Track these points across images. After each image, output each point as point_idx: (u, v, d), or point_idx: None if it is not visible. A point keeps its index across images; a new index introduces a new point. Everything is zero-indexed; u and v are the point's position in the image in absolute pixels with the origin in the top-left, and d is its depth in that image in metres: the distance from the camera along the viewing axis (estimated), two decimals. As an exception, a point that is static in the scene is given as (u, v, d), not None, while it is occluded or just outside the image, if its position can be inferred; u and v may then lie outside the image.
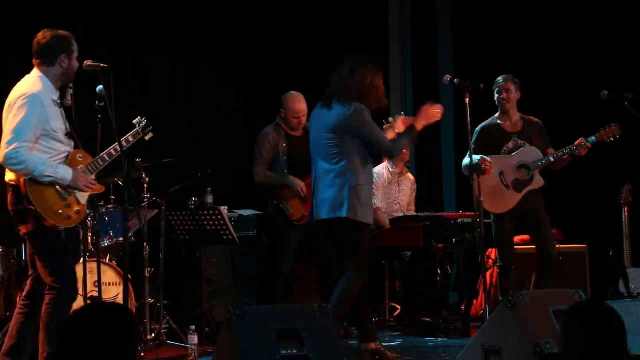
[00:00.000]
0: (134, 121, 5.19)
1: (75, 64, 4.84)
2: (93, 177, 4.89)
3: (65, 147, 4.82)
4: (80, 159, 4.87)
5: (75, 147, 4.91)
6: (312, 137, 5.70)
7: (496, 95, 6.68)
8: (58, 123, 4.75)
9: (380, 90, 5.55)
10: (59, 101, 4.82)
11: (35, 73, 4.80)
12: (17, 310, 4.88)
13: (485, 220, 6.56)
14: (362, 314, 5.70)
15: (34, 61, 4.83)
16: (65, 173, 4.71)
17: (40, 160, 4.63)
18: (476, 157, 6.51)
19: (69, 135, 4.85)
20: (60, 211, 4.70)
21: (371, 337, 5.73)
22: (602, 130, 6.50)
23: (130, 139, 5.12)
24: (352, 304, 5.50)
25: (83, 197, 4.82)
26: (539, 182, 6.57)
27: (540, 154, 6.57)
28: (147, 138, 5.22)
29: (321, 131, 5.53)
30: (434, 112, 5.74)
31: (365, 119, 5.42)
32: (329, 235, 5.75)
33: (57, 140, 4.75)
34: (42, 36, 4.80)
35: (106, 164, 4.97)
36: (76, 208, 4.78)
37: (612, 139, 6.51)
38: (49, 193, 4.69)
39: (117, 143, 4.85)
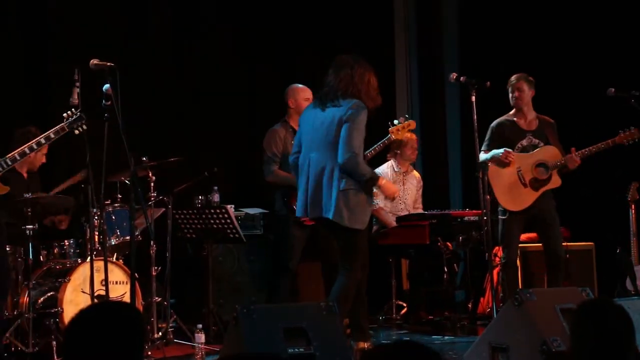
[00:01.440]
0: (64, 114, 5.07)
1: None
2: None
3: None
4: None
5: None
6: (306, 135, 5.60)
7: (510, 94, 6.69)
8: None
9: (376, 89, 5.54)
10: None
11: None
12: None
13: (501, 217, 6.57)
14: (356, 312, 5.68)
15: None
16: None
17: None
18: (499, 151, 6.52)
19: None
20: None
21: (363, 336, 5.70)
22: (622, 133, 6.52)
23: (52, 135, 5.01)
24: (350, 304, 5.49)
25: None
26: (556, 181, 6.57)
27: (559, 153, 6.57)
28: (76, 132, 5.07)
29: (318, 126, 5.48)
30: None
31: (360, 117, 5.38)
32: (327, 232, 5.73)
33: None
34: None
35: (16, 162, 4.97)
36: None
37: (631, 142, 6.54)
38: None
39: (31, 142, 4.90)
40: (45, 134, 4.95)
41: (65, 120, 5.05)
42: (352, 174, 5.35)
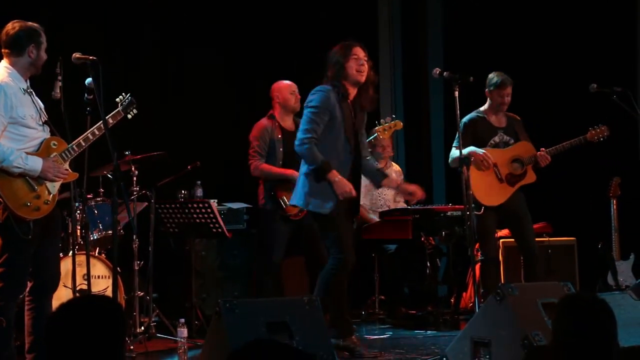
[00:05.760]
0: (117, 99, 5.07)
1: (44, 55, 4.83)
2: (66, 165, 4.83)
3: (39, 133, 4.78)
4: (54, 146, 4.81)
5: (52, 134, 4.86)
6: None
7: (496, 95, 6.64)
8: (28, 110, 4.71)
9: (344, 66, 5.52)
10: (29, 90, 4.79)
11: (3, 63, 4.79)
12: (25, 307, 4.85)
13: (476, 213, 6.58)
14: (337, 306, 5.66)
15: (3, 51, 4.80)
16: (35, 164, 4.67)
17: (8, 150, 4.60)
18: (471, 149, 6.51)
19: (45, 123, 4.82)
20: (29, 203, 4.66)
21: (345, 332, 5.61)
22: (592, 130, 6.58)
23: (110, 120, 4.97)
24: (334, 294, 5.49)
25: (54, 186, 4.78)
26: (531, 177, 6.61)
27: (533, 148, 6.60)
28: (129, 117, 5.09)
29: None
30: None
31: (313, 101, 5.45)
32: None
33: (27, 126, 4.70)
34: (11, 27, 4.77)
35: (82, 149, 4.88)
36: (46, 198, 4.74)
37: (601, 139, 6.60)
38: (18, 184, 4.66)
39: (94, 127, 4.84)
40: (106, 117, 4.91)
41: (119, 104, 5.03)
42: (305, 160, 5.45)
